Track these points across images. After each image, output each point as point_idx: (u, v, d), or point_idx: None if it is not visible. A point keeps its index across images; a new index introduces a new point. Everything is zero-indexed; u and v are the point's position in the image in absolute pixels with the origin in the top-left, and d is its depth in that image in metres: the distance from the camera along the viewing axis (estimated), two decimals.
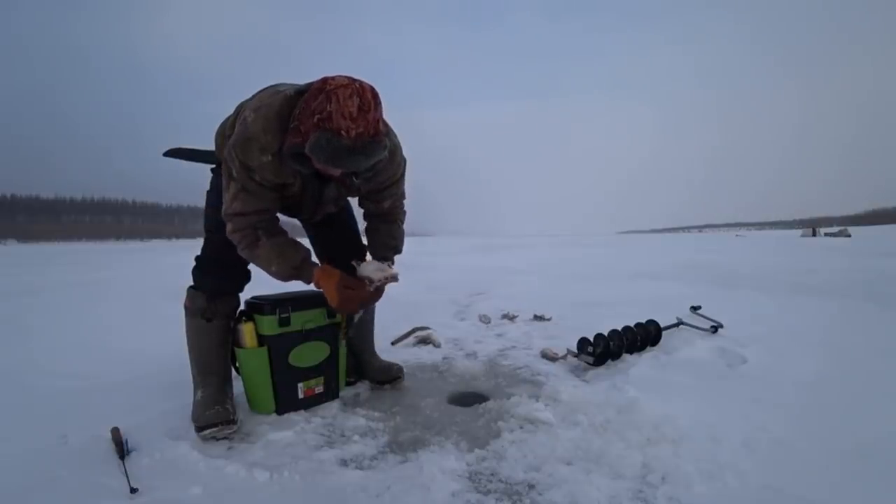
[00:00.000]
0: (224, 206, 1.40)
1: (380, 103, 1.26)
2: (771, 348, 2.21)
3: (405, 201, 1.74)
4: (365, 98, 1.22)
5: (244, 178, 1.35)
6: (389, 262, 1.69)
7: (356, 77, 1.26)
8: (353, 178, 1.46)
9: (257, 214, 1.40)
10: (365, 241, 1.76)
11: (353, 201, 1.75)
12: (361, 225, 1.78)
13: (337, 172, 1.39)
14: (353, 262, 1.60)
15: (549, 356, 2.21)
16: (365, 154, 1.24)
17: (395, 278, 1.56)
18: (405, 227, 1.77)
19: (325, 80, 1.25)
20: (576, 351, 2.12)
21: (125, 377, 1.95)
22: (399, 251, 1.76)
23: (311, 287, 1.53)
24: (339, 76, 1.25)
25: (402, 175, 1.64)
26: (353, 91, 1.21)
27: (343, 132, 1.19)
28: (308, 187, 1.48)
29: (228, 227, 1.41)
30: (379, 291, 1.58)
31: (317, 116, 1.21)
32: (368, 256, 1.76)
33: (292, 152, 1.28)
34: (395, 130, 1.53)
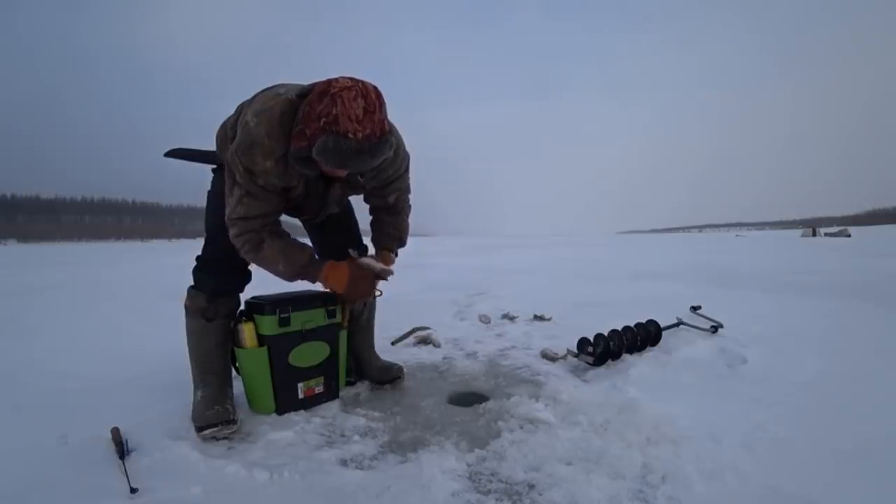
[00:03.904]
0: (228, 211, 1.40)
1: (384, 103, 1.27)
2: (771, 348, 2.21)
3: (410, 195, 1.76)
4: (370, 99, 1.22)
5: (248, 183, 1.35)
6: (393, 255, 1.73)
7: (359, 78, 1.27)
8: (359, 177, 1.49)
9: (262, 218, 1.41)
10: (367, 237, 1.78)
11: (357, 199, 1.76)
12: (366, 218, 1.79)
13: (343, 173, 1.41)
14: (350, 251, 1.61)
15: (549, 356, 2.21)
16: (372, 154, 1.25)
17: (389, 272, 1.61)
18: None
19: (328, 83, 1.25)
20: (576, 351, 2.12)
21: (125, 377, 1.95)
22: (403, 243, 1.78)
23: (316, 286, 1.56)
24: (343, 78, 1.26)
25: (406, 169, 1.65)
26: (357, 93, 1.21)
27: (350, 135, 1.20)
28: (312, 189, 1.48)
29: (232, 231, 1.41)
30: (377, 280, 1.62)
31: (323, 120, 1.21)
32: (370, 252, 1.77)
33: (299, 156, 1.29)
34: (397, 129, 1.54)
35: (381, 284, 1.67)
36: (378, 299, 1.91)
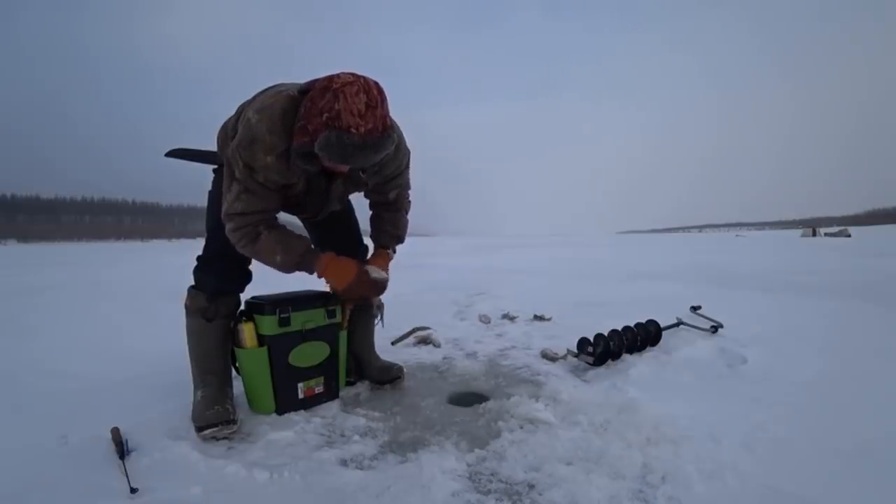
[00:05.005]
0: (225, 206, 1.40)
1: (385, 98, 1.27)
2: (771, 348, 2.21)
3: (409, 192, 1.76)
4: (371, 94, 1.23)
5: (247, 179, 1.35)
6: (391, 251, 1.75)
7: (360, 73, 1.27)
8: (361, 173, 1.49)
9: (259, 214, 1.41)
10: (368, 232, 1.80)
11: (356, 198, 1.77)
12: (365, 214, 1.80)
13: (345, 169, 1.41)
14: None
15: (549, 356, 2.21)
16: (375, 149, 1.26)
17: (384, 285, 1.64)
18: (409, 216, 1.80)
19: (330, 79, 1.25)
20: (576, 351, 2.12)
21: (125, 377, 1.95)
22: (401, 240, 1.78)
23: (315, 280, 1.56)
24: (344, 73, 1.27)
25: (407, 165, 1.66)
26: (359, 88, 1.22)
27: (353, 130, 1.21)
28: (314, 185, 1.49)
29: (229, 226, 1.41)
30: (376, 286, 1.63)
31: (325, 115, 1.22)
32: (370, 251, 1.78)
33: (301, 152, 1.29)
34: (398, 126, 1.55)
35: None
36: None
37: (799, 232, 31.95)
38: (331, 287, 1.59)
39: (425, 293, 4.28)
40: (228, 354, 1.62)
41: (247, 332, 1.56)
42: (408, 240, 1.81)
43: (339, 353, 1.73)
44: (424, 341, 2.52)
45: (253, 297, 1.64)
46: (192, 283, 1.60)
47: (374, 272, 1.60)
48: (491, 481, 1.20)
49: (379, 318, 1.94)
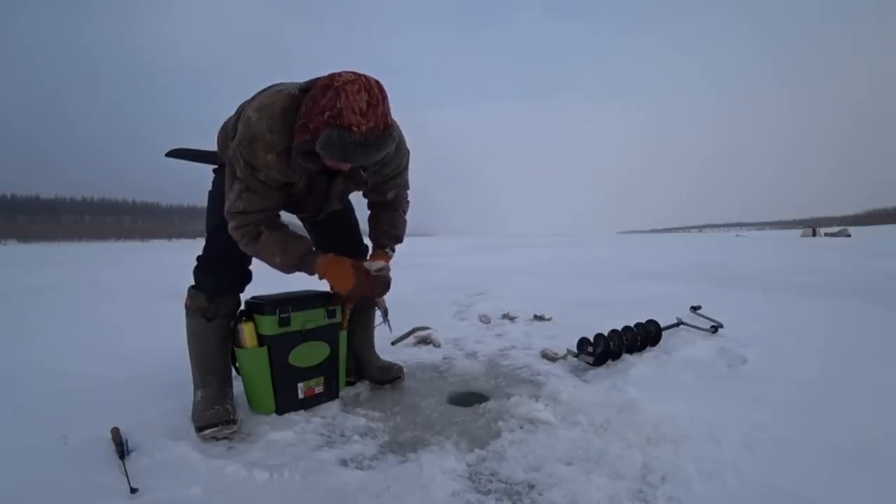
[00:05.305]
0: (227, 205, 1.41)
1: (386, 97, 1.28)
2: (771, 348, 2.21)
3: (408, 192, 1.76)
4: (373, 93, 1.23)
5: (248, 178, 1.35)
6: (389, 251, 1.75)
7: (361, 72, 1.27)
8: (361, 171, 1.50)
9: (260, 213, 1.41)
10: (366, 233, 1.80)
11: (356, 198, 1.77)
12: (364, 214, 1.80)
13: (347, 167, 1.42)
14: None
15: (549, 356, 2.21)
16: (376, 147, 1.26)
17: (387, 281, 1.63)
18: (407, 217, 1.80)
19: (331, 77, 1.26)
20: (576, 351, 2.12)
21: (125, 377, 1.95)
22: (400, 240, 1.78)
23: (315, 280, 1.57)
24: (346, 72, 1.27)
25: (406, 166, 1.66)
26: (360, 86, 1.23)
27: (354, 128, 1.21)
28: (315, 184, 1.49)
29: (231, 224, 1.42)
30: (378, 284, 1.62)
31: (327, 113, 1.22)
32: (370, 251, 1.78)
33: (302, 150, 1.30)
34: (398, 125, 1.55)
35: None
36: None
37: (799, 232, 31.95)
38: (333, 289, 1.60)
39: (425, 293, 4.28)
40: (228, 354, 1.62)
41: (247, 332, 1.56)
42: (408, 240, 1.81)
43: (339, 353, 1.73)
44: (424, 341, 2.52)
45: (253, 297, 1.64)
46: (192, 283, 1.61)
47: (374, 266, 1.60)
48: (491, 481, 1.20)
49: (385, 322, 1.94)
